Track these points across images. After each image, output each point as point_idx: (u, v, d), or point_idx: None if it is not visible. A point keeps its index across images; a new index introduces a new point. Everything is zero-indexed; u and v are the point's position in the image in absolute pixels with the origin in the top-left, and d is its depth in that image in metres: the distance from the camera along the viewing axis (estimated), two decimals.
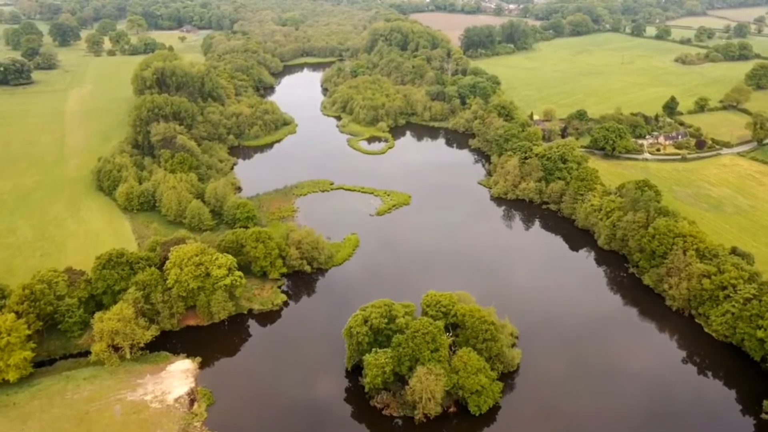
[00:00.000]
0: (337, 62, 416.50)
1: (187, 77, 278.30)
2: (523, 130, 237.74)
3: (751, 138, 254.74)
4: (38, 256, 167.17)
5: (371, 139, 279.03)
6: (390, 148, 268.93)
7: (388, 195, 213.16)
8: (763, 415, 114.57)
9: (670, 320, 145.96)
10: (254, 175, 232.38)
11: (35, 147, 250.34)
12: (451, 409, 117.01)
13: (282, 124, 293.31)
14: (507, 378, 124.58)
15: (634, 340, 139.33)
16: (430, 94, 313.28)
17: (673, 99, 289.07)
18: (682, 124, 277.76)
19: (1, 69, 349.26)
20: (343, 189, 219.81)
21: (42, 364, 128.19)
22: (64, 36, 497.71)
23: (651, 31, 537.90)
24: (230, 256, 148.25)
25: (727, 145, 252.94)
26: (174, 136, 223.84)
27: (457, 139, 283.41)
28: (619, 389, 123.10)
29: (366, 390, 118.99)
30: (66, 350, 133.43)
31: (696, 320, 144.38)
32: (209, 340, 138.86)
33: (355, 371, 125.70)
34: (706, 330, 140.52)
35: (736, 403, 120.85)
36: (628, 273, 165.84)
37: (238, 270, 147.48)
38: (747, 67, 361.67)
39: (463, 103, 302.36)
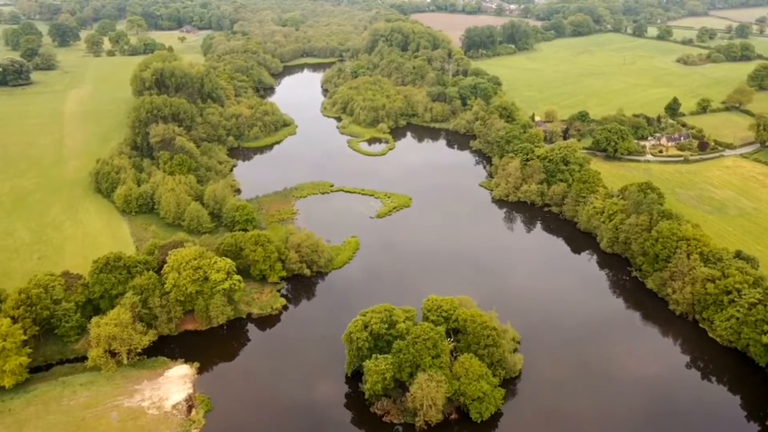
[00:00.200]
0: (337, 63, 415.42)
1: (187, 78, 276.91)
2: (524, 132, 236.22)
3: (754, 139, 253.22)
4: (35, 259, 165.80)
5: (372, 141, 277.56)
6: (390, 149, 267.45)
7: (389, 197, 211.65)
8: None
9: (673, 325, 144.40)
10: (254, 177, 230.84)
11: (34, 148, 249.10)
12: (453, 416, 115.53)
13: (282, 125, 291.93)
14: (509, 384, 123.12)
15: (637, 345, 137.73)
16: (431, 95, 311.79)
17: (675, 100, 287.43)
18: (684, 125, 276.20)
19: (0, 69, 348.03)
20: (344, 191, 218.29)
21: (38, 370, 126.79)
22: (64, 36, 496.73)
23: (652, 31, 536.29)
24: (229, 260, 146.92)
25: (730, 146, 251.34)
26: (173, 138, 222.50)
27: (458, 140, 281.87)
28: (622, 395, 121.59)
29: (366, 396, 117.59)
30: (62, 355, 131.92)
31: (700, 325, 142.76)
32: (207, 345, 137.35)
33: (355, 377, 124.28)
34: (710, 335, 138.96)
35: (740, 410, 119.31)
36: (631, 277, 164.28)
37: (237, 274, 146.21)
38: (749, 67, 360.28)
39: (464, 104, 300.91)
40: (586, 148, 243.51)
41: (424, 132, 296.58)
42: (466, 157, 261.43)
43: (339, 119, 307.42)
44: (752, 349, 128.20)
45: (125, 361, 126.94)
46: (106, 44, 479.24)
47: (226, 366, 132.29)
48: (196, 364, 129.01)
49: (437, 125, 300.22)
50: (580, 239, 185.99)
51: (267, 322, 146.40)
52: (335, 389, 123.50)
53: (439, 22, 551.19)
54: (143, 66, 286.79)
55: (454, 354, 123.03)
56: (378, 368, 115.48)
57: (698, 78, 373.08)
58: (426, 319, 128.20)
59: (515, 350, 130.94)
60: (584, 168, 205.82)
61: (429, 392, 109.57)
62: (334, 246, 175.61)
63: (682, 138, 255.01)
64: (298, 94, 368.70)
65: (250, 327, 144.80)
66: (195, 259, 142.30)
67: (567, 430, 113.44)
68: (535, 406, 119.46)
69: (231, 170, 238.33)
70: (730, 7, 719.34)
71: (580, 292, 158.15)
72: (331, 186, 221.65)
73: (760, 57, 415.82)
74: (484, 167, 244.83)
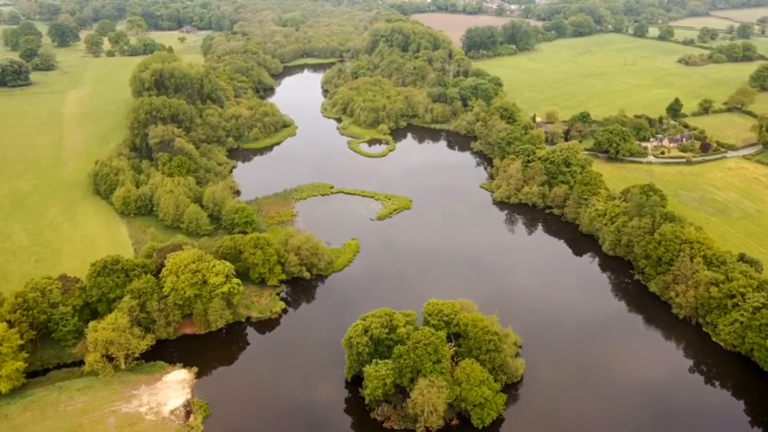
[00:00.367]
0: (337, 63, 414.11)
1: (186, 79, 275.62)
2: (525, 133, 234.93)
3: (756, 141, 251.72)
4: (33, 262, 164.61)
5: (372, 142, 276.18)
6: (391, 150, 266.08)
7: (389, 199, 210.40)
8: None
9: (676, 329, 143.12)
10: (253, 179, 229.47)
11: (32, 149, 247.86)
12: (454, 422, 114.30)
13: (282, 126, 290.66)
14: (511, 389, 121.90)
15: (640, 349, 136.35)
16: (432, 95, 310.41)
17: (677, 101, 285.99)
18: (686, 126, 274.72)
19: (0, 70, 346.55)
20: (344, 193, 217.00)
21: (35, 375, 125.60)
22: (63, 37, 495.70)
23: (653, 31, 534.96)
24: (228, 263, 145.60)
25: (732, 147, 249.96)
26: (172, 139, 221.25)
27: (459, 141, 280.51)
28: (624, 400, 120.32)
29: (366, 402, 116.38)
30: (60, 360, 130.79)
31: (703, 329, 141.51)
32: (206, 350, 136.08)
33: (355, 382, 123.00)
34: (713, 339, 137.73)
35: (744, 415, 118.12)
36: (634, 280, 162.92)
37: (236, 277, 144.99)
38: (751, 68, 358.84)
39: (465, 105, 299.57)
40: (588, 150, 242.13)
41: (425, 133, 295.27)
42: (466, 158, 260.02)
43: (339, 120, 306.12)
44: (756, 353, 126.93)
45: (123, 366, 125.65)
46: (106, 45, 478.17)
47: (224, 370, 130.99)
48: (195, 369, 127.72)
49: (438, 126, 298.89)
50: (581, 242, 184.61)
51: (266, 325, 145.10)
52: (335, 394, 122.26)
53: (439, 22, 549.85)
54: (143, 66, 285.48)
55: (455, 359, 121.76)
56: (378, 373, 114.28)
57: (700, 78, 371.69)
58: (427, 323, 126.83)
59: (517, 355, 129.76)
60: (586, 170, 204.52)
61: (430, 398, 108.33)
62: (334, 248, 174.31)
63: (684, 139, 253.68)
64: (298, 94, 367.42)
65: (250, 331, 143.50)
66: (193, 262, 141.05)
67: None
68: (537, 412, 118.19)
69: (230, 172, 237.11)
70: (731, 7, 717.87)
71: (582, 295, 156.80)
72: (331, 188, 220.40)
73: (762, 57, 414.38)
74: (485, 169, 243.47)
